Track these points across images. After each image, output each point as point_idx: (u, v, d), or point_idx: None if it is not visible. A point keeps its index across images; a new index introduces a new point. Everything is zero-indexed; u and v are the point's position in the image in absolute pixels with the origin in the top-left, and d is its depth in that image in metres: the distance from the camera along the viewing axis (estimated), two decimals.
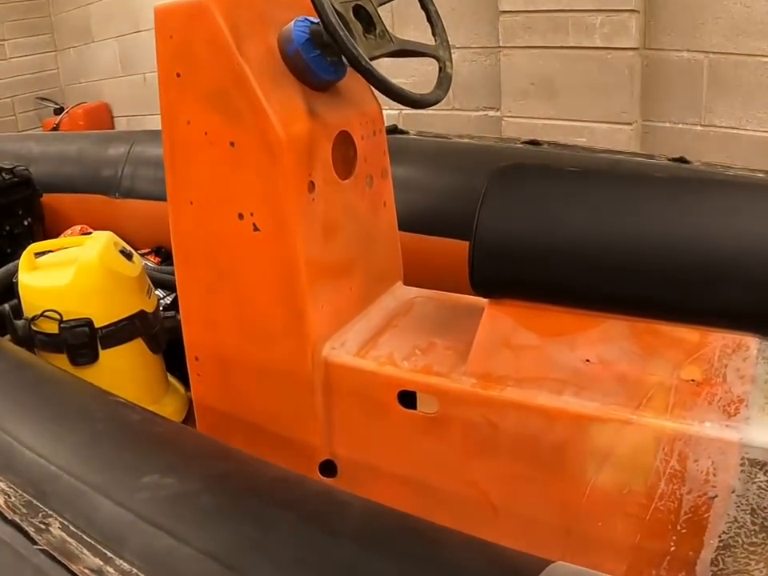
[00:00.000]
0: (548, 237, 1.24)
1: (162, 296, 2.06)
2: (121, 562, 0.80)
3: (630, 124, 2.83)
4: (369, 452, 1.42)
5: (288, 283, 1.34)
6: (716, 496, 1.24)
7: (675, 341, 1.24)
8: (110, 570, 0.78)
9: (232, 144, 1.32)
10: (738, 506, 1.23)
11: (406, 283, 1.67)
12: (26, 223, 2.55)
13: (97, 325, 1.75)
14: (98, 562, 0.80)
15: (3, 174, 2.48)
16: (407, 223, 1.82)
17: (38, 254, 1.88)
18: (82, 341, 1.72)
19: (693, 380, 1.24)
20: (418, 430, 1.34)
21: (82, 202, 2.64)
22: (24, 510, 0.87)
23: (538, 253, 1.25)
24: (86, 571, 0.79)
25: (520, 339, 1.28)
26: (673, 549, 1.28)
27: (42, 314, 1.72)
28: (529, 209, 1.27)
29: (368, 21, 1.38)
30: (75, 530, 0.85)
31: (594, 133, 2.85)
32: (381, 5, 1.44)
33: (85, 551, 0.82)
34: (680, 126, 2.89)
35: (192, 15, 1.30)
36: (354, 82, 1.41)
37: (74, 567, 0.80)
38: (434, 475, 1.38)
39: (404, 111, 3.39)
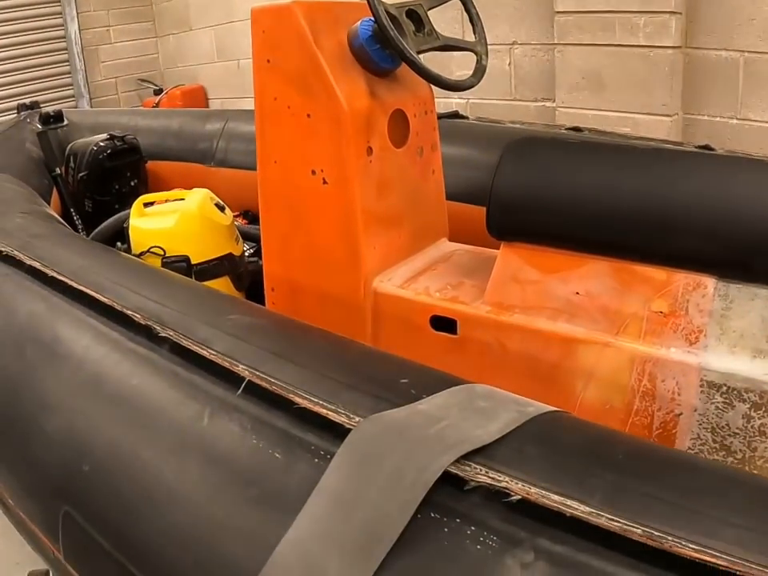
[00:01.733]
0: (549, 193, 1.46)
1: (247, 247, 2.40)
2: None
3: (669, 116, 2.98)
4: None
5: (347, 227, 1.63)
6: (681, 413, 1.38)
7: (647, 279, 1.39)
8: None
9: (308, 115, 1.62)
10: (700, 424, 1.37)
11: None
12: (132, 184, 2.90)
13: (193, 261, 2.09)
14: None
15: (116, 141, 2.83)
16: (458, 194, 2.11)
17: (147, 205, 2.23)
18: (180, 273, 1.98)
19: (661, 312, 1.38)
20: (445, 349, 1.57)
21: (180, 169, 2.98)
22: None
23: (541, 206, 1.46)
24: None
25: (526, 275, 1.48)
26: None
27: (148, 250, 2.05)
28: (535, 171, 1.50)
29: (418, 21, 1.66)
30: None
31: (637, 123, 3.01)
32: (431, 8, 1.72)
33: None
34: (717, 119, 3.05)
35: (280, 15, 1.61)
36: (410, 71, 1.66)
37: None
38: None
39: (471, 100, 3.65)
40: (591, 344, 1.42)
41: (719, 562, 0.62)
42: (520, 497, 0.71)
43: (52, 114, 3.19)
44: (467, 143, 2.41)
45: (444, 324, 1.58)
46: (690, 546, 0.63)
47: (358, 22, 1.65)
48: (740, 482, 0.80)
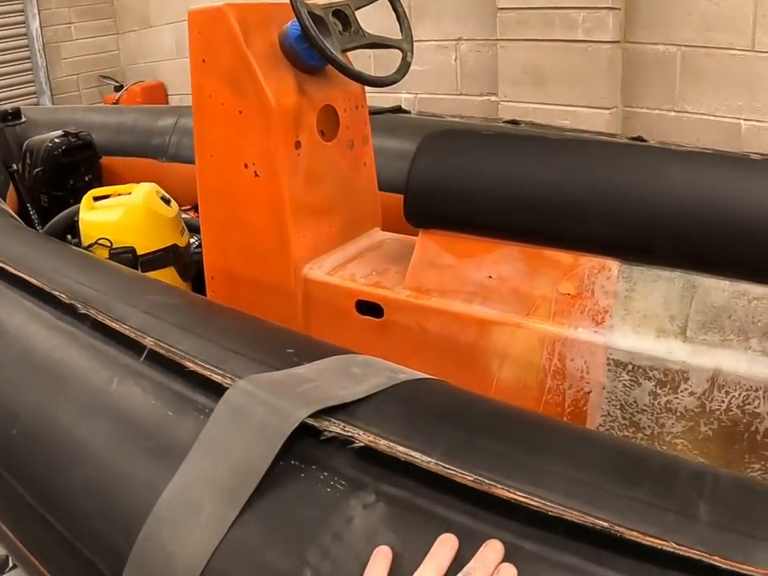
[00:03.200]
0: (462, 182, 1.53)
1: (195, 239, 2.46)
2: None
3: (608, 109, 3.07)
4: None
5: (277, 217, 1.70)
6: (590, 391, 1.44)
7: (555, 262, 1.45)
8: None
9: (240, 112, 1.69)
10: (609, 401, 1.43)
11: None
12: (86, 180, 2.95)
13: (138, 252, 2.18)
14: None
15: (70, 138, 2.89)
16: (399, 186, 2.17)
17: (96, 199, 2.30)
18: (126, 264, 2.08)
19: (568, 294, 1.44)
20: (371, 332, 1.64)
21: (134, 165, 3.02)
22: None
23: (455, 194, 1.53)
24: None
25: (443, 260, 1.55)
26: None
27: (96, 242, 2.14)
28: (449, 161, 1.57)
29: (345, 21, 1.73)
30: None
31: (577, 116, 3.09)
32: (358, 8, 1.79)
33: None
34: (656, 111, 3.14)
35: (213, 17, 1.68)
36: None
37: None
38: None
39: (419, 95, 3.73)
40: (504, 325, 1.49)
41: (537, 504, 0.70)
42: (363, 444, 0.80)
43: (10, 111, 3.24)
44: (408, 137, 2.45)
45: (369, 308, 1.65)
46: (515, 491, 0.71)
47: (289, 23, 1.71)
48: (588, 442, 0.87)
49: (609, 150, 1.59)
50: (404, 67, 1.80)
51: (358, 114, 1.92)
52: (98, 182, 2.99)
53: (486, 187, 1.51)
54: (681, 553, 0.65)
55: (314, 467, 0.81)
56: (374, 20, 1.88)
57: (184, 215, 2.44)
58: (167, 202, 2.28)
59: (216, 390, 0.92)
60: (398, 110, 2.72)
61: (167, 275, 2.23)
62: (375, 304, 1.63)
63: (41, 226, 2.78)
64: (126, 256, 2.16)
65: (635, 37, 3.09)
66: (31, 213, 2.89)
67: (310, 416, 0.83)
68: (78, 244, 2.22)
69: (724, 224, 1.33)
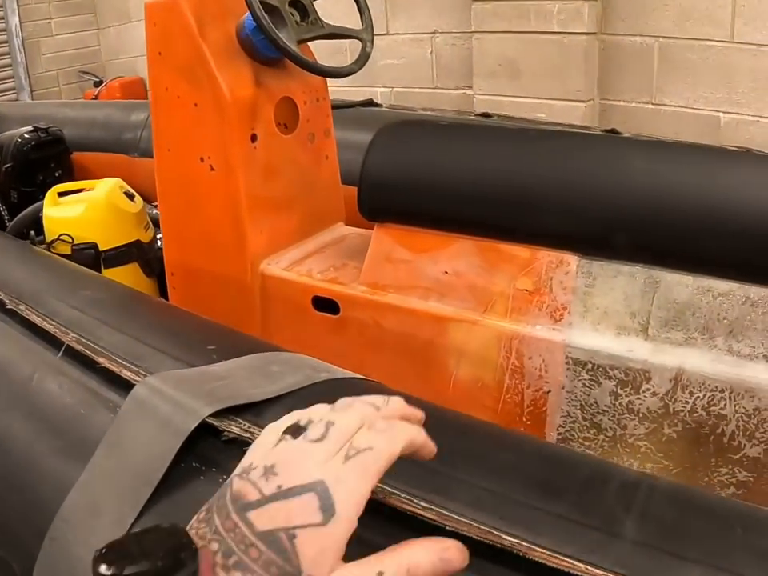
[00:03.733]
0: (417, 174, 1.50)
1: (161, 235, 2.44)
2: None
3: (584, 101, 3.05)
4: (294, 347, 1.68)
5: (233, 212, 1.67)
6: (549, 391, 1.41)
7: (511, 257, 1.42)
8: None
9: (195, 105, 1.66)
10: (569, 401, 1.40)
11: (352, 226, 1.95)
12: (57, 175, 2.91)
13: (101, 248, 2.15)
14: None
15: (39, 133, 2.86)
16: None
17: (61, 194, 2.28)
18: (88, 260, 2.09)
19: (526, 290, 1.40)
20: (327, 328, 1.61)
21: (105, 160, 2.97)
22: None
23: (409, 187, 1.50)
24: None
25: (398, 255, 1.52)
26: None
27: (58, 238, 2.12)
28: (403, 153, 1.54)
29: (303, 11, 1.70)
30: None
31: (552, 109, 3.07)
32: None
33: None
34: (633, 104, 3.13)
35: (169, 9, 1.64)
36: None
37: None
38: (341, 368, 1.65)
39: (395, 89, 3.71)
40: (460, 322, 1.46)
41: (432, 517, 0.66)
42: None
43: None
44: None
45: (325, 304, 1.62)
46: (412, 502, 0.67)
47: (246, 14, 1.68)
48: (512, 447, 0.84)
49: (567, 141, 1.55)
50: (363, 57, 1.77)
51: (320, 107, 1.89)
52: (69, 178, 2.96)
53: (441, 179, 1.49)
54: None
55: (213, 469, 0.78)
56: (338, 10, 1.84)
57: (155, 211, 2.41)
58: (131, 197, 2.26)
59: (128, 387, 0.89)
60: (370, 103, 2.70)
61: (131, 271, 2.21)
62: (331, 300, 1.61)
63: (10, 221, 2.75)
64: (89, 252, 2.14)
65: (612, 28, 3.08)
66: (1, 209, 2.86)
67: (215, 415, 0.79)
68: (43, 241, 2.20)
69: (687, 217, 1.30)
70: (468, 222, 1.46)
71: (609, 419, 1.37)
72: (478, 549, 0.61)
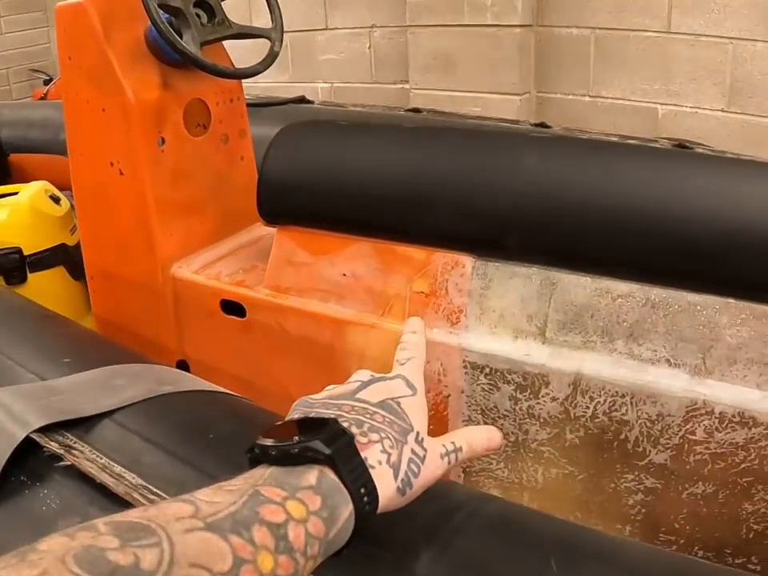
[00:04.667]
0: (313, 176, 1.50)
1: None
2: None
3: (519, 95, 3.05)
4: (206, 352, 1.72)
5: (143, 215, 1.68)
6: (449, 395, 1.40)
7: (407, 259, 1.41)
8: None
9: (103, 110, 1.66)
10: (469, 406, 1.39)
11: None
12: None
13: (25, 252, 2.14)
14: None
15: None
16: None
17: None
18: (13, 264, 2.10)
19: (422, 292, 1.40)
20: (235, 331, 1.62)
21: (44, 161, 2.93)
22: None
23: (306, 189, 1.50)
24: None
25: (299, 258, 1.52)
26: None
27: None
28: (301, 155, 1.53)
29: (210, 11, 1.69)
30: None
31: (487, 103, 3.07)
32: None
33: None
34: (570, 97, 3.14)
35: (76, 13, 1.63)
36: (215, 60, 1.71)
37: None
38: (252, 373, 1.63)
39: (335, 84, 3.72)
40: (359, 325, 1.46)
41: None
42: (70, 463, 0.79)
43: None
44: None
45: (233, 308, 1.62)
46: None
47: None
48: None
49: (463, 140, 1.53)
50: (270, 57, 1.76)
51: (234, 107, 1.88)
52: (7, 180, 2.94)
53: (337, 181, 1.49)
54: None
55: (38, 484, 0.80)
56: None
57: None
58: (56, 200, 2.26)
59: None
60: (301, 100, 2.70)
61: (57, 275, 2.21)
62: (238, 303, 1.61)
63: None
64: (13, 257, 2.13)
65: (548, 20, 3.09)
66: None
67: (46, 429, 0.82)
68: None
69: (584, 216, 1.29)
70: (365, 223, 1.46)
71: (510, 424, 1.37)
72: None
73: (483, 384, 1.36)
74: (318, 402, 0.72)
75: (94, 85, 1.66)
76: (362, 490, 0.61)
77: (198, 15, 1.67)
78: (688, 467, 1.26)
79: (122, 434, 0.83)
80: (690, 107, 3.08)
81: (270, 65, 1.76)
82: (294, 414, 0.71)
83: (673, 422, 1.25)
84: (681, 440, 1.25)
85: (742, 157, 2.17)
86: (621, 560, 0.73)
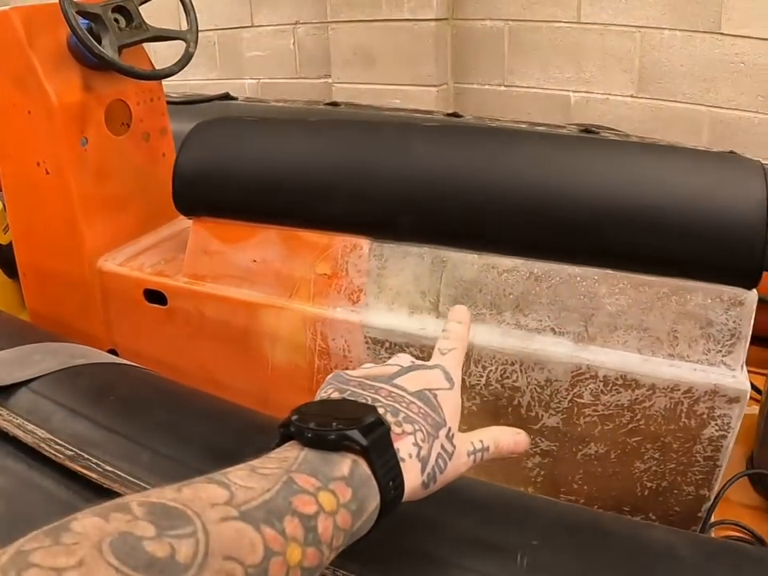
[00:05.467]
0: (224, 169, 1.57)
1: None
2: None
3: (436, 86, 3.14)
4: (133, 340, 1.80)
5: (69, 212, 1.76)
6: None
7: (310, 243, 1.49)
8: None
9: (29, 112, 1.73)
10: None
11: None
12: None
13: None
14: None
15: None
16: None
17: None
18: None
19: (325, 274, 1.48)
20: (159, 319, 1.70)
21: None
22: None
23: (217, 181, 1.57)
24: None
25: (213, 246, 1.60)
26: None
27: None
28: (212, 149, 1.61)
29: (128, 16, 1.77)
30: None
31: (406, 95, 3.17)
32: (142, 3, 1.84)
33: None
34: (486, 87, 3.24)
35: (1, 22, 1.70)
36: (135, 62, 1.79)
37: None
38: (177, 359, 1.70)
39: (261, 80, 3.78)
40: (270, 308, 1.55)
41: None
42: None
43: None
44: None
45: (155, 297, 1.70)
46: (104, 465, 0.79)
47: None
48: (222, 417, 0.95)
49: (359, 130, 1.63)
50: (185, 58, 1.85)
51: (154, 107, 1.97)
52: None
53: (244, 173, 1.56)
54: None
55: None
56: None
57: None
58: None
59: None
60: (225, 97, 2.78)
61: None
62: (159, 292, 1.69)
63: None
64: None
65: (463, 13, 3.17)
66: None
67: None
68: None
69: (469, 197, 1.36)
70: (271, 212, 1.54)
71: None
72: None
73: (385, 358, 1.42)
74: (354, 381, 0.71)
75: (20, 89, 1.73)
76: (391, 483, 0.61)
77: (116, 20, 1.75)
78: (579, 429, 1.35)
79: (35, 399, 0.93)
80: (602, 94, 3.20)
81: (185, 65, 1.84)
82: (329, 388, 0.71)
83: (561, 386, 1.34)
84: (570, 403, 1.35)
85: (630, 139, 2.31)
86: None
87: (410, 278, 1.44)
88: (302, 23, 3.64)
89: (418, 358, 1.34)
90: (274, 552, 0.50)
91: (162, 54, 1.88)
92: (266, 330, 1.56)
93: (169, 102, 2.05)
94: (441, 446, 0.67)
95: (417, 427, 0.65)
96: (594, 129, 2.40)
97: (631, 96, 3.22)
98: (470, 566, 0.73)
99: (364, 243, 1.47)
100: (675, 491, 1.36)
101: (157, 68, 1.88)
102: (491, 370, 1.37)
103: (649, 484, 1.36)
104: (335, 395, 0.69)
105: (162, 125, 2.00)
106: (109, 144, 1.83)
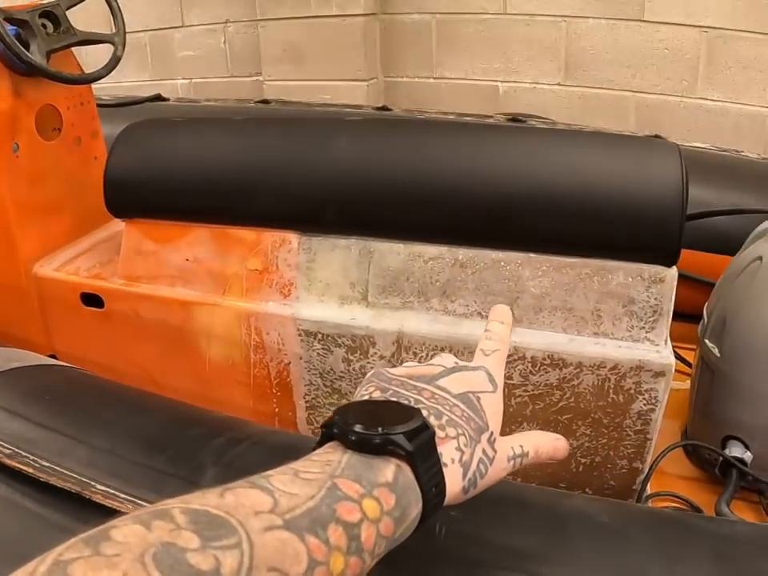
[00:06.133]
0: (154, 171, 1.59)
1: None
2: None
3: (366, 80, 3.19)
4: (73, 344, 1.80)
5: (3, 219, 1.75)
6: (290, 362, 1.50)
7: (240, 240, 1.51)
8: None
9: None
10: (309, 371, 1.49)
11: None
12: None
13: None
14: None
15: None
16: None
17: None
18: None
19: (256, 269, 1.50)
20: (96, 322, 1.70)
21: None
22: None
23: (149, 183, 1.58)
24: None
25: (146, 247, 1.61)
26: (277, 410, 1.56)
27: None
28: (141, 151, 1.63)
29: (55, 21, 1.78)
30: None
31: (336, 90, 3.20)
32: (69, 8, 1.84)
33: None
34: (416, 79, 3.28)
35: None
36: (63, 67, 1.80)
37: None
38: (117, 361, 1.71)
39: (194, 80, 3.79)
40: (204, 306, 1.56)
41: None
42: None
43: None
44: None
45: (92, 300, 1.71)
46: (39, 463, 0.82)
47: None
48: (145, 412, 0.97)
49: (284, 127, 1.65)
50: (113, 61, 1.86)
51: (84, 110, 1.98)
52: None
53: (174, 173, 1.58)
54: None
55: None
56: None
57: None
58: None
59: None
60: (157, 98, 2.78)
61: None
62: (96, 295, 1.70)
63: None
64: None
65: (391, 7, 3.22)
66: None
67: None
68: None
69: (392, 188, 1.40)
70: (201, 210, 1.55)
71: (347, 384, 1.48)
72: (73, 497, 0.77)
73: (318, 349, 1.47)
74: (396, 380, 0.69)
75: None
76: (434, 490, 0.60)
77: (43, 25, 1.76)
78: (511, 410, 1.40)
79: None
80: (529, 83, 3.26)
81: (114, 68, 1.85)
82: (370, 386, 0.69)
83: None
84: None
85: (555, 127, 2.36)
86: None
87: (339, 269, 1.47)
88: (233, 22, 3.65)
89: (350, 347, 1.45)
90: (318, 562, 0.50)
91: (98, 57, 1.88)
92: (201, 328, 1.58)
93: (100, 105, 2.06)
94: (482, 450, 0.66)
95: (460, 431, 0.64)
96: (521, 117, 2.45)
97: (558, 84, 3.29)
98: None
99: (293, 238, 1.49)
100: (609, 465, 1.40)
101: (87, 72, 1.89)
102: (422, 357, 1.40)
103: (583, 460, 1.40)
104: (377, 394, 0.67)
105: (94, 128, 2.01)
106: (40, 149, 1.83)
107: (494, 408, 0.69)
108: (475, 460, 0.65)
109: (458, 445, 0.63)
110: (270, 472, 0.55)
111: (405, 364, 0.75)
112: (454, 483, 0.62)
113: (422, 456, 0.59)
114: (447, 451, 0.63)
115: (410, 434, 0.59)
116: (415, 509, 0.59)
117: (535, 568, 0.80)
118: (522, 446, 0.71)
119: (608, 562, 0.82)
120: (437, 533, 0.79)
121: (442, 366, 0.72)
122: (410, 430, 0.59)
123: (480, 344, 0.79)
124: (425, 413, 0.63)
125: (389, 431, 0.58)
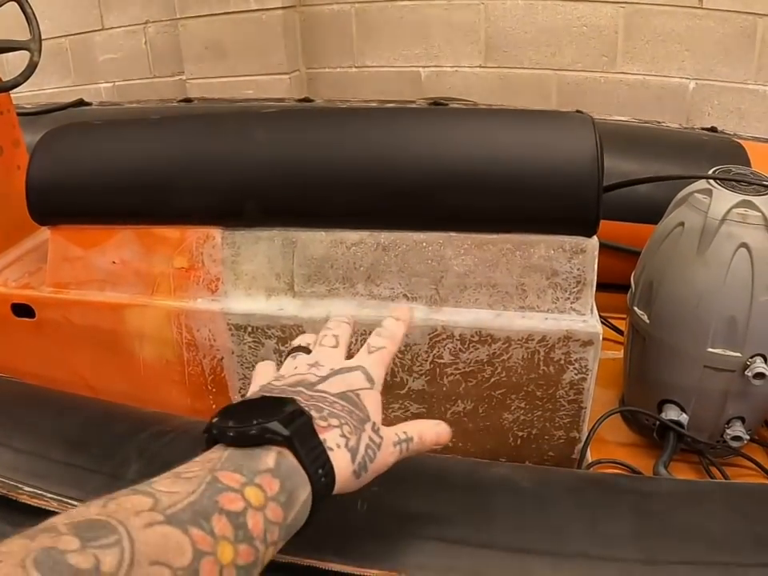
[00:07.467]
0: (74, 175, 1.56)
1: None
2: None
3: (287, 73, 3.21)
4: (6, 357, 1.77)
5: None
6: (222, 357, 1.51)
7: (164, 239, 1.50)
8: None
9: None
10: (242, 365, 1.50)
11: None
12: None
13: None
14: None
15: None
16: None
17: None
18: None
19: (183, 267, 1.49)
20: (29, 332, 1.67)
21: None
22: None
23: (70, 188, 1.56)
24: None
25: (72, 253, 1.59)
26: (214, 406, 1.55)
27: None
28: (63, 156, 1.60)
29: None
30: None
31: (259, 85, 3.21)
32: None
33: None
34: (338, 70, 3.30)
35: None
36: None
37: None
38: (52, 370, 1.68)
39: (117, 83, 3.77)
40: (134, 307, 1.56)
41: None
42: None
43: None
44: None
45: (23, 310, 1.69)
46: None
47: None
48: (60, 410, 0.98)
49: (201, 123, 1.65)
50: (30, 68, 1.84)
51: (4, 119, 1.96)
52: None
53: (94, 176, 1.56)
54: None
55: None
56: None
57: None
58: None
59: None
60: (80, 103, 2.77)
61: None
62: (26, 305, 1.68)
63: None
64: None
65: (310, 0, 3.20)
66: None
67: None
68: None
69: (309, 177, 1.40)
70: (124, 211, 1.54)
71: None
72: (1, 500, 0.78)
73: (249, 342, 1.48)
74: (277, 389, 0.72)
75: None
76: (320, 471, 0.62)
77: None
78: (444, 389, 1.42)
79: None
80: (451, 67, 3.29)
81: (30, 75, 1.83)
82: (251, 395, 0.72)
83: (420, 349, 1.41)
84: (431, 365, 1.42)
85: (478, 108, 2.39)
86: None
87: (264, 261, 1.47)
88: (152, 22, 3.62)
89: (281, 338, 1.46)
90: (204, 552, 0.51)
91: (19, 65, 1.86)
92: (133, 330, 1.57)
93: (21, 114, 2.04)
94: (369, 437, 0.69)
95: (342, 421, 0.67)
96: (443, 101, 2.47)
97: (479, 66, 3.31)
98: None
99: (216, 233, 1.49)
100: (546, 437, 1.44)
101: (4, 80, 1.87)
102: (352, 342, 1.40)
103: (520, 433, 1.44)
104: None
105: (15, 137, 1.99)
106: None
107: (374, 403, 0.74)
108: (362, 445, 0.68)
109: (342, 432, 0.67)
110: (153, 479, 0.56)
111: (280, 374, 0.79)
112: (343, 467, 0.65)
113: (300, 439, 0.62)
114: (331, 437, 0.66)
115: (284, 420, 0.62)
116: (303, 492, 0.61)
117: (458, 534, 0.83)
118: (405, 432, 0.75)
119: (530, 523, 0.86)
120: (358, 508, 0.81)
121: (319, 376, 0.75)
122: (285, 416, 0.62)
123: (369, 339, 0.84)
124: (303, 405, 0.67)
125: (263, 421, 0.61)
